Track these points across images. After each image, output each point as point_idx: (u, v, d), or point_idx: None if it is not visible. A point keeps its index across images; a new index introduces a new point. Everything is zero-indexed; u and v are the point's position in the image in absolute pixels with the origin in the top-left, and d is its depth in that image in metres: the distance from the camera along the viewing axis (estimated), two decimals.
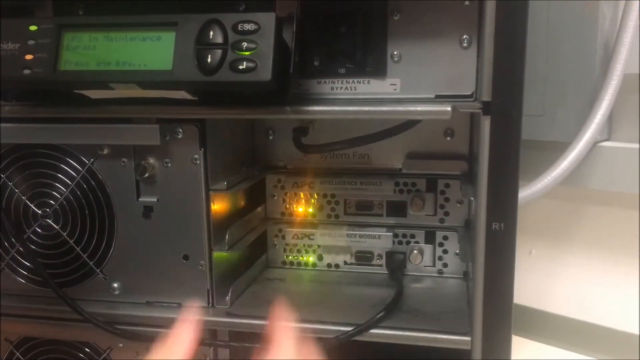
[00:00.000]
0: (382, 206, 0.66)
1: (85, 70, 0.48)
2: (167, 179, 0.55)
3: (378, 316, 0.53)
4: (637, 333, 0.72)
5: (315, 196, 0.68)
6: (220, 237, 0.56)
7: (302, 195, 0.68)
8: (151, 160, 0.55)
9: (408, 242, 0.66)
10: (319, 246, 0.68)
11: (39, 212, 0.58)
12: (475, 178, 0.49)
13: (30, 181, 0.58)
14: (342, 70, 0.51)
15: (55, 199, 0.57)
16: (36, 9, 0.54)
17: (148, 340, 0.56)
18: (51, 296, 0.57)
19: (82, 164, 0.56)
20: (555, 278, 0.79)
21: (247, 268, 0.64)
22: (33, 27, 0.49)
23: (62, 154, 0.56)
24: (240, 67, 0.45)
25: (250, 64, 0.45)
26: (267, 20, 0.45)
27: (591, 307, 0.76)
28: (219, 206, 0.57)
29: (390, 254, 0.66)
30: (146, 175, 0.54)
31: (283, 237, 0.68)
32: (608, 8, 0.66)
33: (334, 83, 0.52)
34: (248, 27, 0.45)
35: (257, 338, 0.53)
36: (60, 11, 0.53)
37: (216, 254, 0.56)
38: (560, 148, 0.66)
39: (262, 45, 0.45)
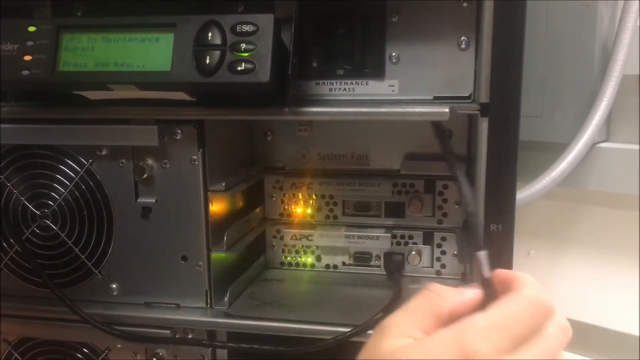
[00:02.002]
0: (381, 207, 0.66)
1: (84, 71, 0.48)
2: (165, 179, 0.55)
3: (376, 317, 0.53)
4: (637, 334, 0.72)
5: (314, 197, 0.68)
6: (219, 238, 0.56)
7: (300, 196, 0.68)
8: (150, 161, 0.55)
9: (406, 243, 0.66)
10: (317, 247, 0.68)
11: (38, 212, 0.58)
12: (473, 179, 0.49)
13: (28, 182, 0.58)
14: (341, 72, 0.51)
15: (53, 199, 0.57)
16: (35, 9, 0.54)
17: (146, 341, 0.56)
18: (50, 297, 0.57)
19: (80, 164, 0.56)
20: (554, 279, 0.79)
21: (245, 269, 0.64)
22: (32, 28, 0.49)
23: (61, 154, 0.56)
24: (239, 68, 0.45)
25: (249, 65, 0.45)
26: (266, 21, 0.45)
27: (590, 308, 0.76)
28: (217, 207, 0.57)
29: (388, 255, 0.66)
30: (145, 176, 0.54)
31: (281, 238, 0.68)
32: (607, 9, 0.66)
33: (333, 84, 0.52)
34: (247, 28, 0.45)
35: (255, 339, 0.53)
36: (59, 12, 0.53)
37: (214, 255, 0.56)
38: (558, 149, 0.66)
39: (261, 46, 0.45)
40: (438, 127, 0.54)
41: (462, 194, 0.53)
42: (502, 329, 0.32)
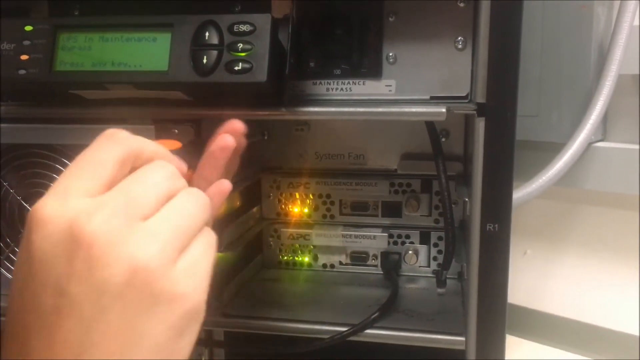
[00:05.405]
0: (377, 207, 0.66)
1: (81, 70, 0.48)
2: None
3: (373, 316, 0.53)
4: (637, 334, 0.72)
5: (311, 196, 0.68)
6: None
7: (297, 196, 0.68)
8: None
9: (403, 243, 0.66)
10: (314, 246, 0.68)
11: None
12: (470, 179, 0.49)
13: (25, 181, 0.57)
14: (338, 72, 0.51)
15: None
16: (31, 9, 0.54)
17: None
18: None
19: None
20: (550, 278, 0.79)
21: (242, 268, 0.64)
22: (28, 28, 0.49)
23: (58, 154, 0.56)
24: (236, 68, 0.45)
25: (246, 65, 0.45)
26: (263, 21, 0.45)
27: (586, 307, 0.76)
28: None
29: (385, 255, 0.66)
30: None
31: (278, 238, 0.68)
32: (603, 9, 0.66)
33: (330, 84, 0.52)
34: (244, 28, 0.45)
35: (251, 338, 0.53)
36: (56, 11, 0.53)
37: None
38: (555, 148, 0.67)
39: (258, 46, 0.45)
40: (431, 128, 0.54)
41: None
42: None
